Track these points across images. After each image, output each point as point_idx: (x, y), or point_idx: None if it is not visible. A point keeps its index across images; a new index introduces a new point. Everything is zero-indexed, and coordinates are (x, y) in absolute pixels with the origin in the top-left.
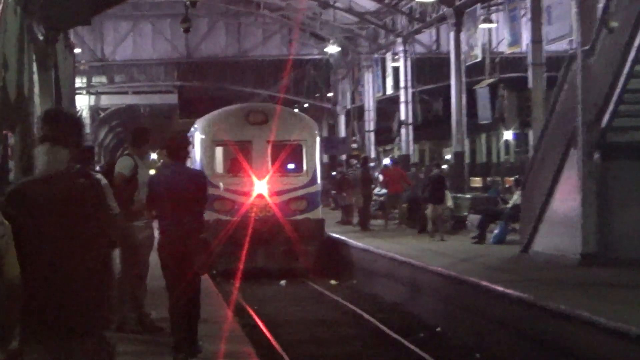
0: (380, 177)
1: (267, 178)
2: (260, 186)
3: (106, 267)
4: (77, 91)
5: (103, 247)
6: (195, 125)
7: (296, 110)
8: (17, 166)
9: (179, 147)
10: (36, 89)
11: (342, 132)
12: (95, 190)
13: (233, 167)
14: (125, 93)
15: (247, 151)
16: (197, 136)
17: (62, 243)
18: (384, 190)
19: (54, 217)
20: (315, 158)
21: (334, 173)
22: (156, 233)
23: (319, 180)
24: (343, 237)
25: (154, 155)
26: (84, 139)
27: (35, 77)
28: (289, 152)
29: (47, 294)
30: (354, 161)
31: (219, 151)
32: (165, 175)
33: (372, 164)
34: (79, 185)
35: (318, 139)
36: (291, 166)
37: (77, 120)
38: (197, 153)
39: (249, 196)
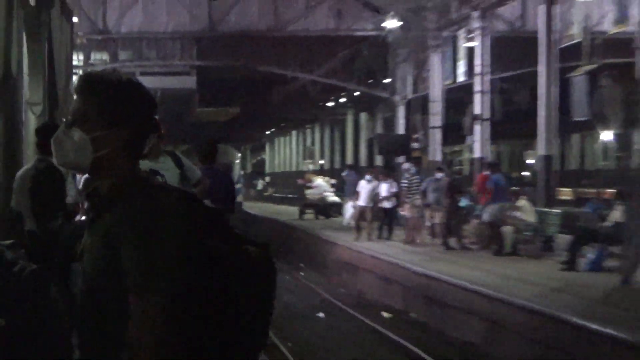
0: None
1: None
2: None
3: None
4: (73, 70)
5: None
6: None
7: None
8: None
9: None
10: (25, 66)
11: (401, 128)
12: None
13: None
14: (132, 74)
15: None
16: None
17: None
18: (466, 202)
19: None
20: None
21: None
22: None
23: None
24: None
25: None
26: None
27: (25, 50)
28: None
29: None
30: (408, 166)
31: None
32: None
33: (440, 174)
34: None
35: None
36: None
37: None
38: None
39: None
